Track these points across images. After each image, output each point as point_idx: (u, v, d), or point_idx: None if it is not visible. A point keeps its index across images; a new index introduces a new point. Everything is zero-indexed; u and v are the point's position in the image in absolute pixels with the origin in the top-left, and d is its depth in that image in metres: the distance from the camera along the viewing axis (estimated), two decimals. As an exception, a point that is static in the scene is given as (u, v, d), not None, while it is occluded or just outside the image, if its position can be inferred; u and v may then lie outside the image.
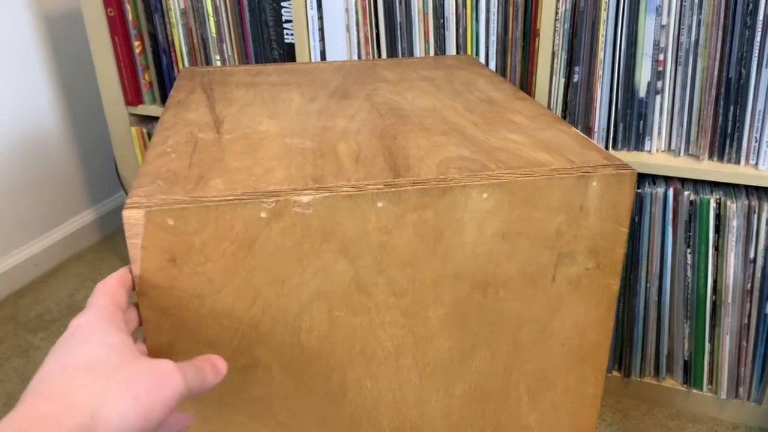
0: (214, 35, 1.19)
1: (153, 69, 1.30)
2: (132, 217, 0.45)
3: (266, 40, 1.16)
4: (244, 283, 0.49)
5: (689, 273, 0.99)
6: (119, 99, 1.35)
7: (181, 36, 1.22)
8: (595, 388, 0.60)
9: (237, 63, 1.22)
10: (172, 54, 1.25)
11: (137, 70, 1.32)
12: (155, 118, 1.39)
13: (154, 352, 0.49)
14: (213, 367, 0.44)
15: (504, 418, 0.59)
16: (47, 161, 1.64)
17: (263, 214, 0.47)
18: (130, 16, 1.26)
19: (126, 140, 1.39)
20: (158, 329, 0.49)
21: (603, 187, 0.51)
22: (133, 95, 1.33)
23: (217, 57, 1.21)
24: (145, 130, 1.38)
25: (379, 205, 0.48)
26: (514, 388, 0.58)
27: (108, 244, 1.78)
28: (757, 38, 0.85)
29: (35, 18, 1.56)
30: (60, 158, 1.67)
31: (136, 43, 1.28)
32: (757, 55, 0.86)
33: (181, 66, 1.27)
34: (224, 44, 1.19)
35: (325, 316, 0.51)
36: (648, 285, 1.03)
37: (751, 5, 0.84)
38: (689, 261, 0.98)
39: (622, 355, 1.12)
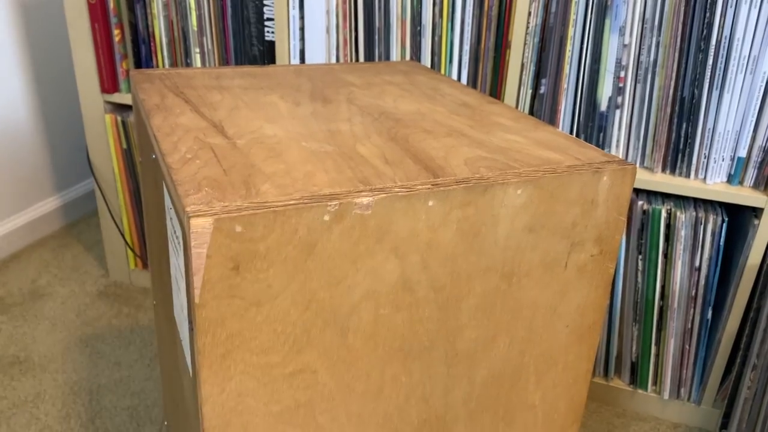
0: (195, 29, 1.20)
1: (131, 58, 1.31)
2: (200, 226, 0.43)
3: (247, 37, 1.16)
4: (301, 287, 0.48)
5: (640, 279, 1.10)
6: (95, 86, 1.35)
7: (162, 27, 1.24)
8: (588, 364, 0.66)
9: (217, 57, 1.22)
10: (152, 44, 1.27)
11: (115, 58, 1.32)
12: (131, 107, 1.41)
13: (207, 367, 0.47)
14: None
15: (514, 399, 0.64)
16: (15, 145, 1.63)
17: (326, 217, 0.47)
18: (111, 5, 1.27)
19: (99, 127, 1.39)
20: (214, 342, 0.47)
21: (611, 181, 0.57)
22: (109, 83, 1.33)
23: (197, 50, 1.22)
24: (119, 118, 1.37)
25: (430, 203, 0.50)
26: (525, 370, 0.62)
27: (72, 231, 1.77)
28: (710, 61, 0.96)
29: (9, 2, 1.57)
30: (28, 143, 1.67)
31: (116, 32, 1.28)
32: (708, 77, 0.97)
33: (160, 57, 1.27)
34: (205, 38, 1.20)
35: (372, 316, 0.52)
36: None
37: (705, 31, 0.95)
38: (640, 267, 1.09)
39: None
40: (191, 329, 0.48)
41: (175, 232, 0.53)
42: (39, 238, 1.74)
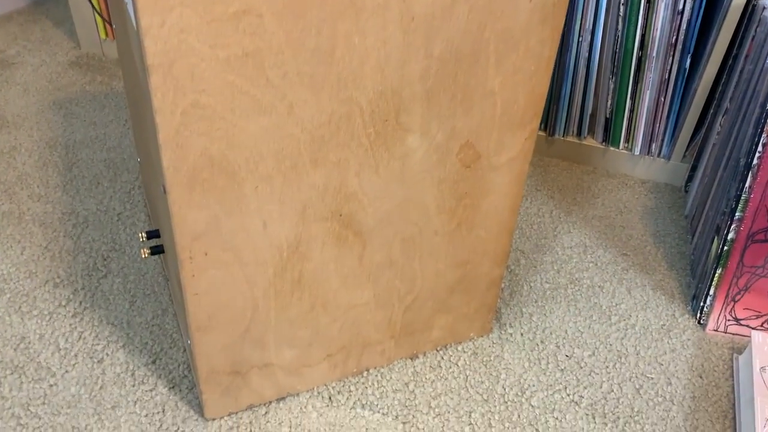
0: None
1: None
2: None
3: None
4: None
5: (620, 26, 1.06)
6: None
7: None
8: (550, 51, 0.65)
9: None
10: None
11: None
12: None
13: (154, 28, 0.45)
14: None
15: (472, 82, 0.63)
16: None
17: None
18: None
19: None
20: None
21: None
22: None
23: None
24: None
25: None
26: (484, 48, 0.61)
27: (39, 9, 1.69)
28: None
29: None
30: None
31: None
32: None
33: None
34: None
35: (319, -44, 0.49)
36: (580, 40, 1.10)
37: None
38: (621, 13, 1.05)
39: (548, 114, 1.21)
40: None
41: None
42: (2, 13, 1.66)
